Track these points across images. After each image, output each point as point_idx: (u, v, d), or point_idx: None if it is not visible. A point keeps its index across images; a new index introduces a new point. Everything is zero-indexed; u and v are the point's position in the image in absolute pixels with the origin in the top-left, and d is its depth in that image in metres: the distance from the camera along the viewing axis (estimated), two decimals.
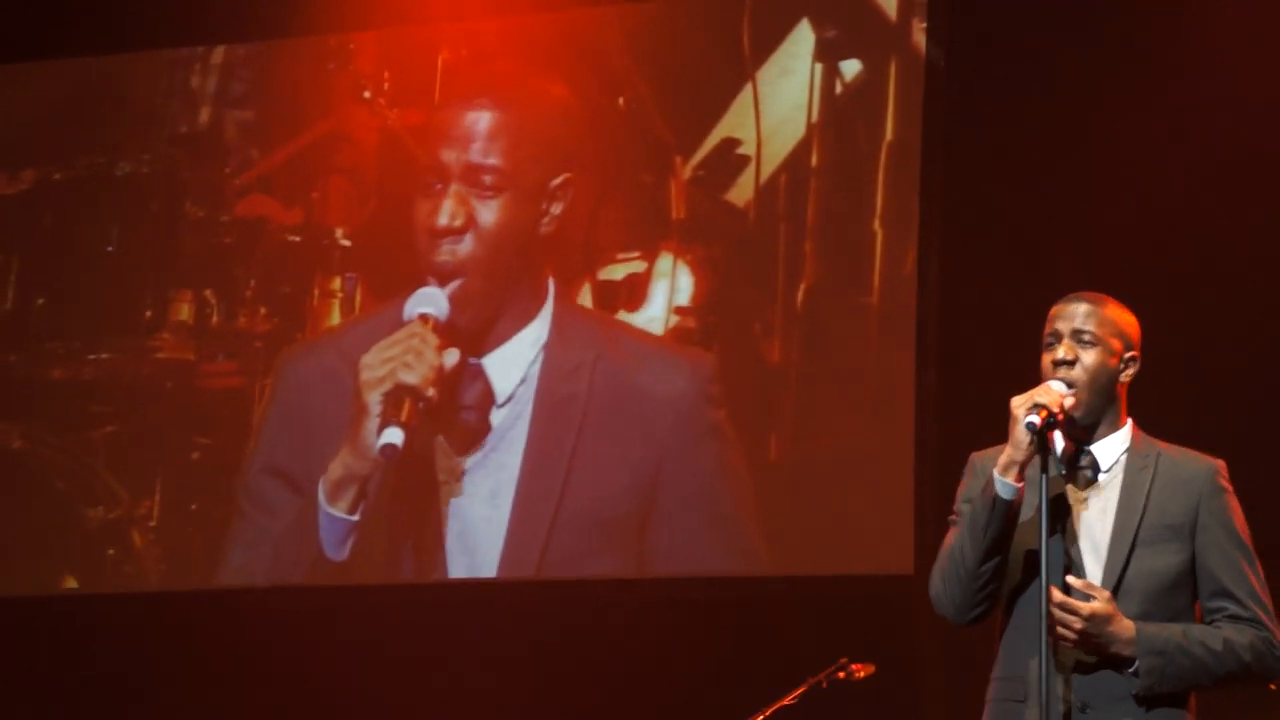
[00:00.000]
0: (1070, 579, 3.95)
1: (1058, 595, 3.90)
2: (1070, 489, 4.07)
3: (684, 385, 7.73)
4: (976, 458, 4.22)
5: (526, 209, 7.98)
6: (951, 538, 4.12)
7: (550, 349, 7.87)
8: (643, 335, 7.86)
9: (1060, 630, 3.91)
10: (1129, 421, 4.16)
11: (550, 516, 7.71)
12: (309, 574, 7.92)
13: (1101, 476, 4.11)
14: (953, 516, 4.19)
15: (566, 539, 7.69)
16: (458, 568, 7.80)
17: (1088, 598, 3.92)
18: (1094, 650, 3.95)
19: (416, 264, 7.93)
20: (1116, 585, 4.01)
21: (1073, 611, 3.90)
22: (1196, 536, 4.07)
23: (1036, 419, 3.93)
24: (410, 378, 7.72)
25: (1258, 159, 7.04)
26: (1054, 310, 4.16)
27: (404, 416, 7.65)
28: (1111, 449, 4.13)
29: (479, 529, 7.79)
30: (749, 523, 7.54)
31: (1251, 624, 4.04)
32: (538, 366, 7.86)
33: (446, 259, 7.88)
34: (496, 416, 7.84)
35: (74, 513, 8.39)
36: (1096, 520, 4.07)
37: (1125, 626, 3.94)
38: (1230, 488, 4.14)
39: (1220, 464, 4.16)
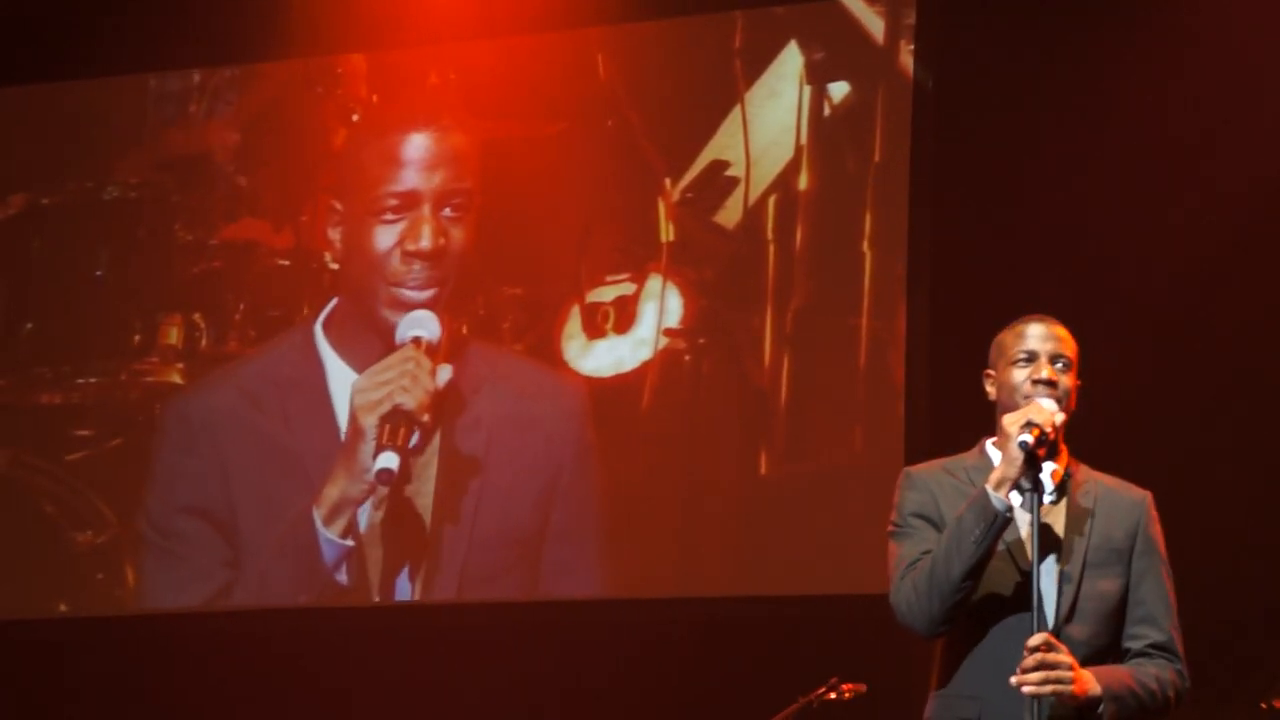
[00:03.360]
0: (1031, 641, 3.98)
1: (1035, 640, 3.92)
2: (1018, 510, 4.09)
3: (566, 404, 7.82)
4: (914, 472, 4.25)
5: (497, 229, 8.04)
6: (905, 550, 4.13)
7: (454, 371, 7.92)
8: (518, 355, 7.96)
9: (1052, 676, 3.92)
10: (1065, 445, 4.21)
11: (468, 536, 7.76)
12: (289, 597, 7.94)
13: (1047, 498, 4.14)
14: (892, 529, 4.20)
15: (483, 557, 7.75)
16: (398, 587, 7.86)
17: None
18: (1072, 701, 3.96)
19: (382, 288, 7.98)
20: (1072, 606, 4.06)
21: (1053, 647, 3.92)
22: (1133, 562, 4.14)
23: (1029, 437, 3.96)
24: (408, 401, 7.75)
25: (1247, 178, 7.07)
26: (1020, 328, 4.19)
27: (400, 441, 7.68)
28: (1056, 471, 4.17)
29: (407, 546, 7.82)
30: (632, 536, 7.68)
31: (1168, 656, 4.12)
32: (443, 389, 7.89)
33: (420, 279, 7.94)
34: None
35: (63, 537, 8.38)
36: (1049, 541, 4.10)
37: (1087, 674, 3.97)
38: (1157, 517, 4.21)
39: (1149, 494, 4.23)
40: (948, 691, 4.10)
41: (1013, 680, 3.92)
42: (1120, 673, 4.05)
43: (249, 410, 8.09)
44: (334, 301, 8.14)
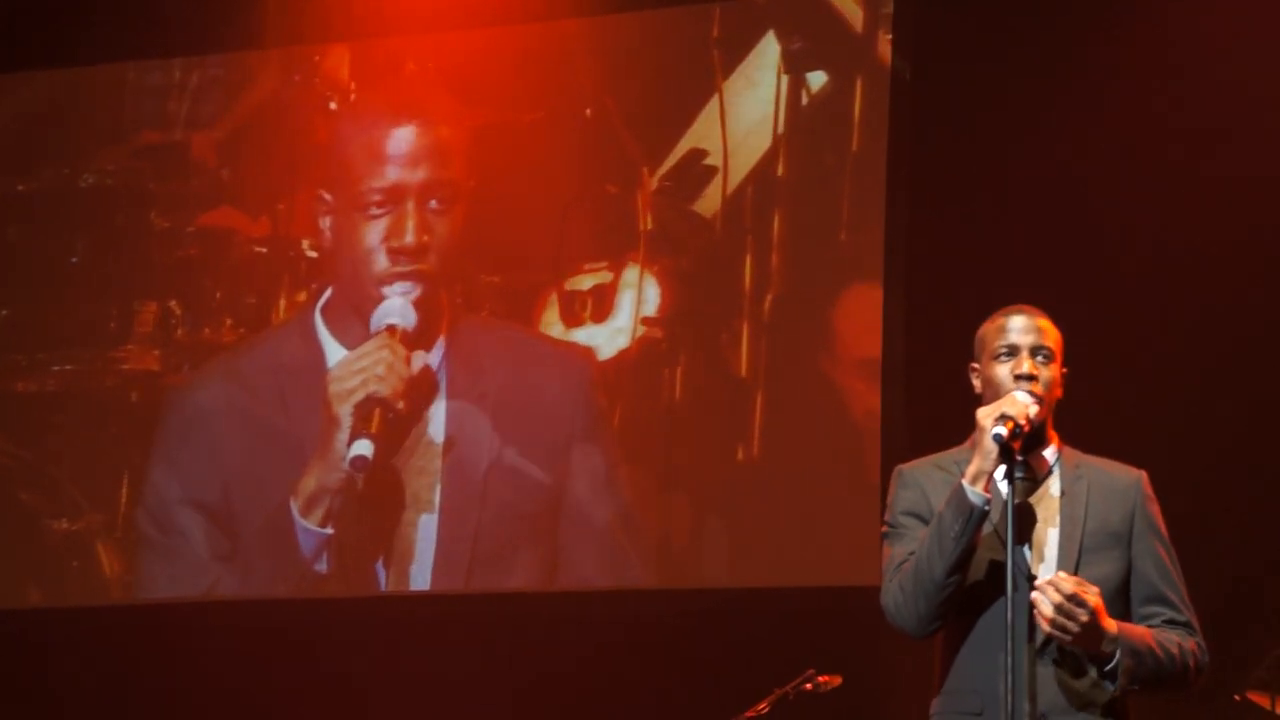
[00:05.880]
0: (1061, 574, 3.95)
1: (1067, 586, 3.90)
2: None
3: (575, 375, 7.80)
4: (905, 470, 4.24)
5: (476, 218, 8.02)
6: (895, 551, 4.13)
7: (451, 352, 7.90)
8: (526, 331, 7.94)
9: (1061, 620, 3.90)
10: (1055, 432, 4.20)
11: (477, 516, 7.74)
12: (273, 588, 7.92)
13: (1038, 487, 4.14)
14: (885, 529, 4.20)
15: (493, 536, 7.73)
16: (391, 576, 7.83)
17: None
18: (1080, 645, 3.95)
19: (368, 279, 7.96)
20: None
21: (1081, 603, 3.90)
22: (1133, 544, 4.13)
23: (1004, 430, 3.94)
24: (382, 389, 7.74)
25: (1220, 171, 7.07)
26: (1001, 321, 4.17)
27: (374, 428, 7.66)
28: (1045, 459, 4.17)
29: (406, 533, 7.80)
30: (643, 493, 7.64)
31: (1187, 629, 4.11)
32: (444, 371, 7.88)
33: (403, 271, 7.92)
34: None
35: (38, 525, 8.36)
36: (1041, 529, 4.10)
37: (1110, 624, 3.96)
38: (1154, 495, 4.20)
39: (1144, 473, 4.23)
40: (949, 688, 4.10)
41: (1033, 596, 3.90)
42: (1142, 631, 4.02)
43: (247, 399, 8.07)
44: (330, 290, 8.12)
